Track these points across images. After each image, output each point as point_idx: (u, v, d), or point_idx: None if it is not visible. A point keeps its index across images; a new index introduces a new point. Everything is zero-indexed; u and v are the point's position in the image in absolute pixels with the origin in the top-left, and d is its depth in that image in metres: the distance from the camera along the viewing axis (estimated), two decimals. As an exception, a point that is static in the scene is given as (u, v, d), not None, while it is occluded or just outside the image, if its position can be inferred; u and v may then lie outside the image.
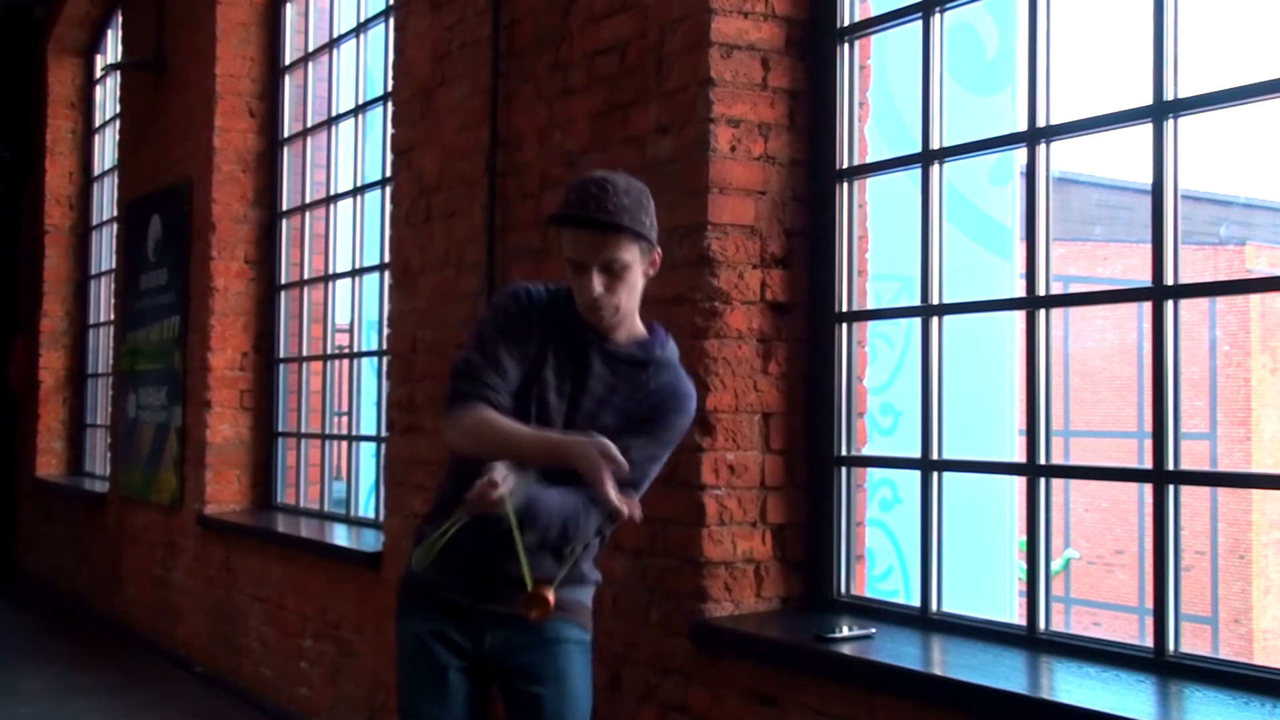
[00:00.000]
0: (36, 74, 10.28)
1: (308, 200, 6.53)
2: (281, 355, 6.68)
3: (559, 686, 2.73)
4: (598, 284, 2.58)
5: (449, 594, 2.72)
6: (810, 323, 3.49)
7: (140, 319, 7.72)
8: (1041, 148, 2.99)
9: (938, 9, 3.26)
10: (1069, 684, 2.68)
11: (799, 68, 3.51)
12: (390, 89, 5.16)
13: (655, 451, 2.68)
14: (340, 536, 5.57)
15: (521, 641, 2.73)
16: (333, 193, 6.26)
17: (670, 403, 2.69)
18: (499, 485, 2.45)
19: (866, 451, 3.62)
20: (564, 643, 2.76)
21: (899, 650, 2.97)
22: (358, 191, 5.91)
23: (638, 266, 2.61)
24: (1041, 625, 2.93)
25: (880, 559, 4.99)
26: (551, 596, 2.56)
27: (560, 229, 2.65)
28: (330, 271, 6.35)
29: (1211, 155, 31.16)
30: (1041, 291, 2.99)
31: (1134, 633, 13.95)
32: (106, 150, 9.72)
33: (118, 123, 8.69)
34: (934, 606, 3.19)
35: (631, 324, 2.70)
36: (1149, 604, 2.95)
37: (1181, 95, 2.70)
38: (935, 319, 3.23)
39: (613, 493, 2.44)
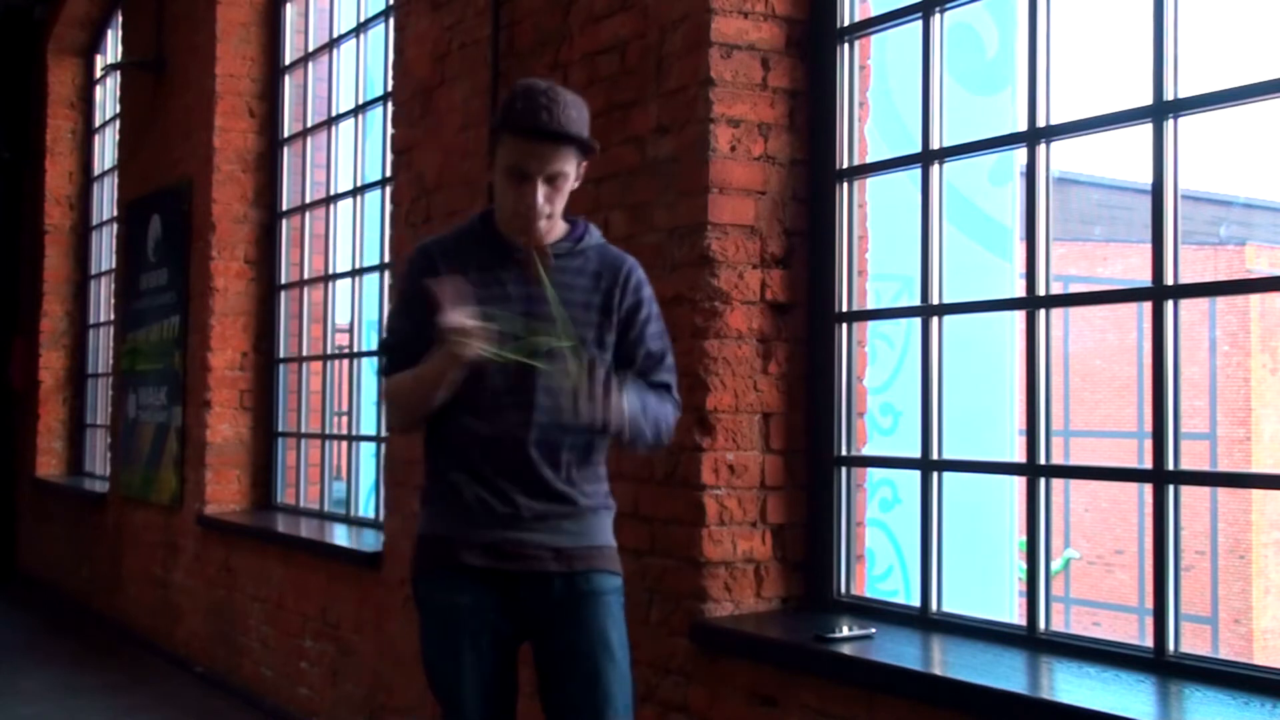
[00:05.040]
0: (36, 74, 10.28)
1: (308, 200, 6.53)
2: (281, 355, 6.68)
3: (598, 648, 2.64)
4: (541, 193, 2.63)
5: (475, 558, 2.66)
6: (810, 323, 3.48)
7: (140, 319, 7.72)
8: (1041, 148, 2.99)
9: (938, 9, 3.26)
10: (1069, 684, 2.68)
11: (799, 68, 3.51)
12: (390, 89, 5.16)
13: (662, 327, 2.81)
14: (340, 536, 5.57)
15: (556, 600, 2.66)
16: (333, 193, 6.26)
17: (644, 284, 2.79)
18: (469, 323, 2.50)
19: (866, 451, 3.62)
20: (601, 595, 2.68)
21: (899, 650, 2.97)
22: (358, 191, 5.91)
23: (574, 176, 2.68)
24: (1041, 625, 2.93)
25: (880, 559, 4.99)
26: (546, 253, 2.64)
27: (503, 137, 2.65)
28: (330, 272, 6.35)
29: (1211, 155, 31.16)
30: (1041, 291, 2.99)
31: (1134, 633, 13.94)
32: (106, 150, 9.72)
33: (118, 123, 8.68)
34: (934, 606, 3.19)
35: (556, 226, 2.74)
36: (1149, 604, 2.95)
37: (1181, 95, 2.70)
38: (935, 319, 3.23)
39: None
